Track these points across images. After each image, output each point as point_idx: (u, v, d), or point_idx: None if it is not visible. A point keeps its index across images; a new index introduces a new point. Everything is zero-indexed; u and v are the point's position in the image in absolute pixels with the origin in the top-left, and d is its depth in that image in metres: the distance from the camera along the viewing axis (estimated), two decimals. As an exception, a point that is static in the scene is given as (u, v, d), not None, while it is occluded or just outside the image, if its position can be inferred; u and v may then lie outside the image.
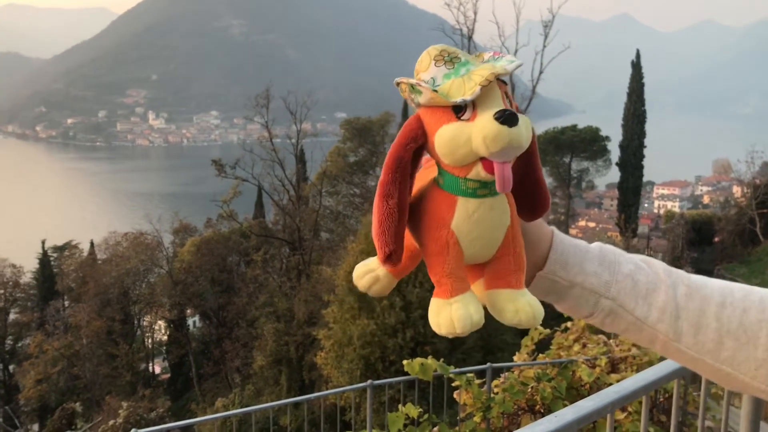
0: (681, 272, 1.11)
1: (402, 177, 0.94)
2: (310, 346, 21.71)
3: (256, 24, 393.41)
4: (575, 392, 4.36)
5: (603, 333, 5.33)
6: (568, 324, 5.71)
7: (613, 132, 41.02)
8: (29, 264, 41.28)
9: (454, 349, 15.97)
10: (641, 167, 39.43)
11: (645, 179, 41.92)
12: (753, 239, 30.18)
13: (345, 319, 15.91)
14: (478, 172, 0.89)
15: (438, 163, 0.95)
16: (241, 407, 17.66)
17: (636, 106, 39.65)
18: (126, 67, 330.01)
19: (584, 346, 5.42)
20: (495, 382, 4.65)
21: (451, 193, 0.95)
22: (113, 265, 35.31)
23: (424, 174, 1.03)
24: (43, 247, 41.55)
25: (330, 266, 21.93)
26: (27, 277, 40.63)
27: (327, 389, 17.15)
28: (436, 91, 0.89)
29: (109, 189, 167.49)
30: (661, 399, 4.31)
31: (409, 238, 1.01)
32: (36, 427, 31.25)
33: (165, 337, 37.83)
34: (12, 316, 38.47)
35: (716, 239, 32.64)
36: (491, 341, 17.21)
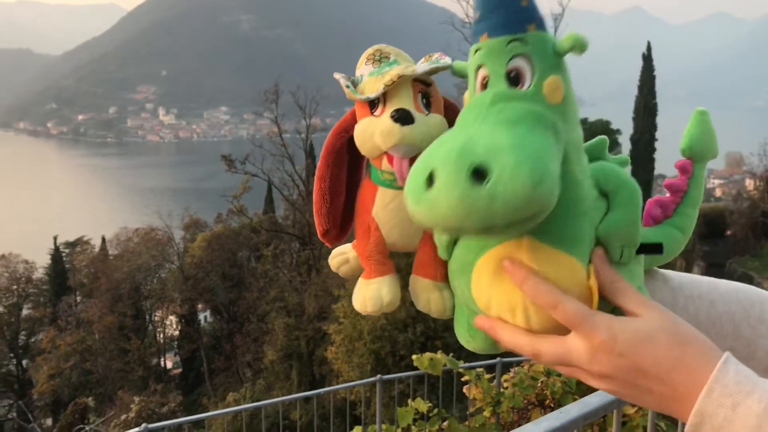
0: None
1: (334, 162, 1.04)
2: (321, 341, 21.75)
3: (266, 19, 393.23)
4: (585, 387, 4.34)
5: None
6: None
7: (624, 125, 40.80)
8: (41, 260, 41.56)
9: (465, 343, 15.96)
10: (653, 160, 39.21)
11: (656, 172, 41.66)
12: (766, 232, 29.98)
13: (355, 314, 15.92)
14: (386, 164, 0.97)
15: None
16: (252, 402, 17.74)
17: (647, 99, 39.41)
18: (136, 63, 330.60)
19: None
20: (505, 376, 4.64)
21: (374, 183, 1.03)
22: (124, 260, 35.48)
23: None
24: (55, 243, 41.85)
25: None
26: (39, 273, 40.93)
27: (337, 384, 17.18)
28: (348, 87, 0.98)
29: (120, 185, 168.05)
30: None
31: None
32: (49, 421, 31.50)
33: (176, 332, 37.99)
34: (25, 312, 38.76)
35: (728, 232, 32.42)
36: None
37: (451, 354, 4.33)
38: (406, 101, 0.95)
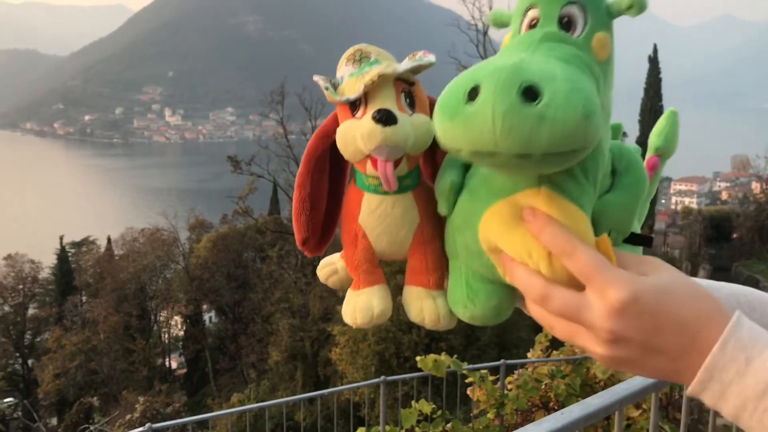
0: None
1: (315, 169, 1.00)
2: (325, 342, 21.77)
3: (272, 20, 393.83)
4: (589, 389, 4.34)
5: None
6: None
7: (630, 127, 40.65)
8: (47, 259, 41.68)
9: (469, 345, 15.96)
10: (658, 163, 39.04)
11: (662, 175, 41.53)
12: (772, 236, 29.90)
13: (360, 315, 15.90)
14: (371, 168, 0.93)
15: None
16: (257, 402, 17.74)
17: (653, 102, 39.27)
18: (142, 63, 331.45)
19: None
20: (509, 378, 4.64)
21: (359, 189, 0.99)
22: (130, 260, 35.57)
23: None
24: (61, 243, 41.96)
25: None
26: (45, 273, 41.04)
27: (342, 385, 17.19)
28: (328, 89, 0.94)
29: (126, 185, 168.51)
30: (677, 396, 4.28)
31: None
32: (54, 421, 31.55)
33: (181, 333, 38.04)
34: (31, 311, 38.84)
35: (734, 236, 32.31)
36: (506, 338, 17.17)
37: (456, 356, 4.33)
38: (388, 101, 0.92)
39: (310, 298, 24.26)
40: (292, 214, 1.03)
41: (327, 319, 22.04)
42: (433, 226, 1.00)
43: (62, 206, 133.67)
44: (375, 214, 0.98)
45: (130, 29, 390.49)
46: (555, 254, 0.76)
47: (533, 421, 4.30)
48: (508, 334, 17.15)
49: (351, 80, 0.95)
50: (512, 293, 0.92)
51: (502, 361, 5.20)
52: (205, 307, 36.10)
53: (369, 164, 0.93)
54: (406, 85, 0.95)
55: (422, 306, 0.99)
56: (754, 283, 26.27)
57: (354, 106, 0.93)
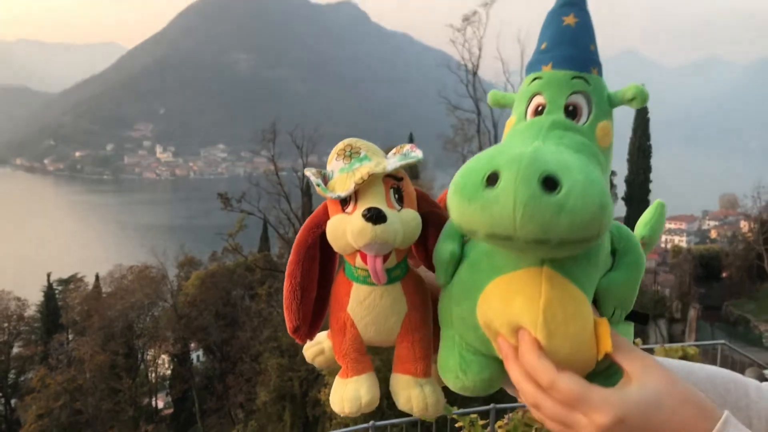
0: None
1: (305, 258, 1.03)
2: (315, 382, 21.51)
3: (264, 58, 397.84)
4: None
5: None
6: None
7: (619, 166, 41.07)
8: (34, 297, 41.25)
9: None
10: (647, 202, 39.30)
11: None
12: (761, 275, 29.96)
13: (349, 355, 15.75)
14: (360, 261, 0.97)
15: None
16: (244, 444, 17.50)
17: (641, 141, 39.73)
18: (134, 100, 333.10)
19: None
20: (499, 423, 4.56)
21: (348, 279, 1.02)
22: (118, 298, 35.24)
23: None
24: (48, 280, 41.58)
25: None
26: (31, 310, 40.56)
27: (331, 426, 16.93)
28: (319, 185, 0.98)
29: (116, 222, 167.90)
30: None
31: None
32: (37, 462, 30.91)
33: (168, 372, 37.56)
34: (15, 350, 38.30)
35: (724, 275, 32.41)
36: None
37: (445, 400, 4.26)
38: (377, 198, 0.94)
39: (299, 336, 24.05)
40: (283, 301, 1.05)
41: (316, 358, 21.80)
42: (421, 315, 1.02)
43: (50, 243, 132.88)
44: (364, 305, 1.00)
45: (122, 67, 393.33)
46: (559, 320, 0.79)
47: (525, 468, 4.22)
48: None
49: (341, 176, 0.97)
50: (504, 367, 0.91)
51: (492, 405, 5.12)
52: (192, 345, 35.73)
53: (359, 257, 0.96)
54: (394, 181, 0.98)
55: (410, 395, 1.01)
56: (745, 323, 26.25)
57: (344, 201, 0.96)
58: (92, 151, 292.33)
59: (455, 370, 0.96)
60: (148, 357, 37.38)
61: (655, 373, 0.78)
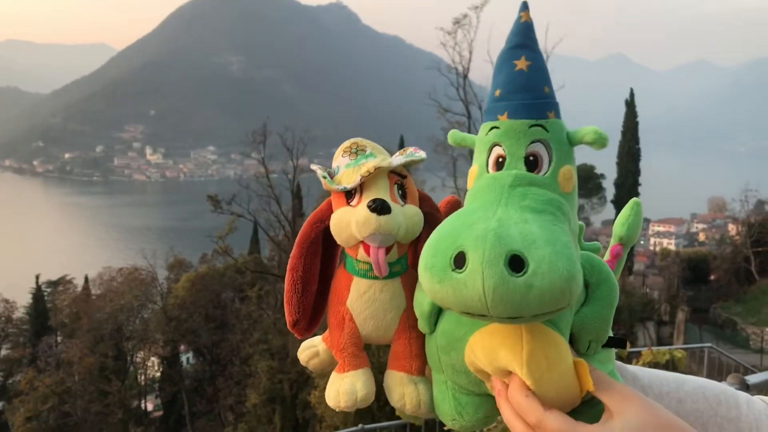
0: None
1: (308, 252, 1.06)
2: (305, 384, 21.49)
3: (255, 60, 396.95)
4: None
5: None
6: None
7: (608, 170, 41.22)
8: (23, 299, 40.97)
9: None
10: (636, 205, 39.44)
11: (642, 216, 42.03)
12: (748, 277, 30.13)
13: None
14: (362, 254, 0.99)
15: None
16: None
17: (630, 144, 39.89)
18: (124, 102, 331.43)
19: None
20: (487, 427, 4.58)
21: (349, 273, 1.05)
22: (107, 300, 35.06)
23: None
24: (37, 282, 41.29)
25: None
26: (20, 313, 40.30)
27: (321, 429, 16.92)
28: (325, 178, 1.02)
29: (105, 224, 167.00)
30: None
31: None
32: (24, 466, 30.70)
33: (158, 374, 37.39)
34: (3, 352, 38.06)
35: (712, 277, 32.58)
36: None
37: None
38: (382, 192, 0.98)
39: (289, 339, 24.00)
40: (283, 295, 1.07)
41: (306, 360, 21.76)
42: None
43: (39, 245, 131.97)
44: (363, 298, 1.03)
45: (112, 68, 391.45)
46: (546, 363, 0.81)
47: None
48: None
49: (348, 171, 1.02)
50: None
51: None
52: (182, 348, 35.58)
53: (361, 250, 0.99)
54: (399, 177, 1.03)
55: (404, 392, 1.02)
56: (732, 325, 26.40)
57: (350, 194, 1.00)
58: (82, 153, 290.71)
59: (452, 413, 0.97)
60: (138, 359, 37.21)
61: (634, 405, 0.81)
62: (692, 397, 1.02)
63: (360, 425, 4.97)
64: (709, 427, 1.00)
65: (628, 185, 39.01)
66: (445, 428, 4.41)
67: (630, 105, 40.55)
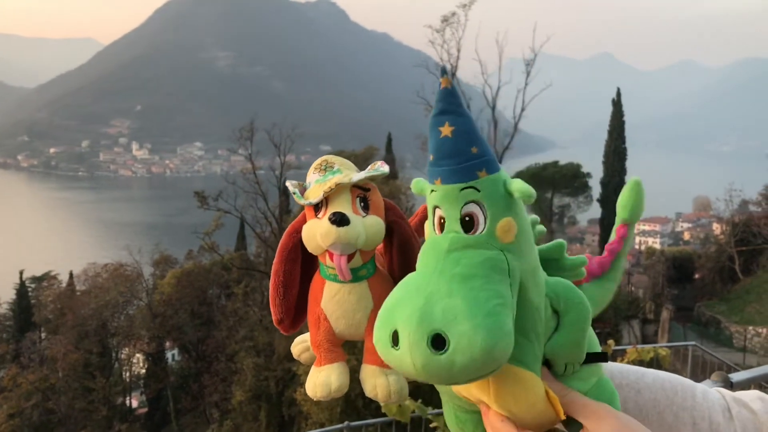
0: None
1: (287, 259, 1.18)
2: (291, 382, 21.46)
3: (243, 56, 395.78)
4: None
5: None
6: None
7: (594, 168, 41.39)
8: (6, 294, 40.66)
9: (434, 389, 15.83)
10: (622, 204, 39.60)
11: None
12: (732, 276, 30.38)
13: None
14: (329, 260, 1.10)
15: None
16: (219, 443, 17.41)
17: (617, 144, 40.06)
18: (110, 97, 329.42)
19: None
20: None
21: (322, 277, 1.16)
22: (92, 296, 34.83)
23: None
24: (20, 278, 40.95)
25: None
26: (3, 308, 40.00)
27: (307, 426, 16.93)
28: (295, 194, 1.14)
29: (91, 219, 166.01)
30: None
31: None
32: (7, 463, 30.49)
33: (143, 371, 37.21)
34: (-14, 349, 37.73)
35: (696, 276, 32.83)
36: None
37: (420, 400, 4.28)
38: (344, 205, 1.09)
39: (275, 336, 23.96)
40: (261, 299, 1.18)
41: (292, 358, 21.70)
42: None
43: (23, 240, 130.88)
44: (334, 300, 1.15)
45: (99, 63, 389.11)
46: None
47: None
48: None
49: (316, 186, 1.13)
50: None
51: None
52: (167, 344, 35.46)
53: (328, 257, 1.10)
54: (361, 191, 1.13)
55: (376, 383, 1.14)
56: (716, 323, 26.60)
57: (317, 208, 1.12)
58: (67, 148, 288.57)
59: (455, 428, 1.07)
60: (123, 356, 37.02)
61: (608, 424, 0.86)
62: (650, 387, 1.10)
63: (346, 422, 4.96)
64: (665, 415, 1.07)
65: (614, 184, 39.15)
66: (431, 425, 4.41)
67: (617, 104, 40.72)
